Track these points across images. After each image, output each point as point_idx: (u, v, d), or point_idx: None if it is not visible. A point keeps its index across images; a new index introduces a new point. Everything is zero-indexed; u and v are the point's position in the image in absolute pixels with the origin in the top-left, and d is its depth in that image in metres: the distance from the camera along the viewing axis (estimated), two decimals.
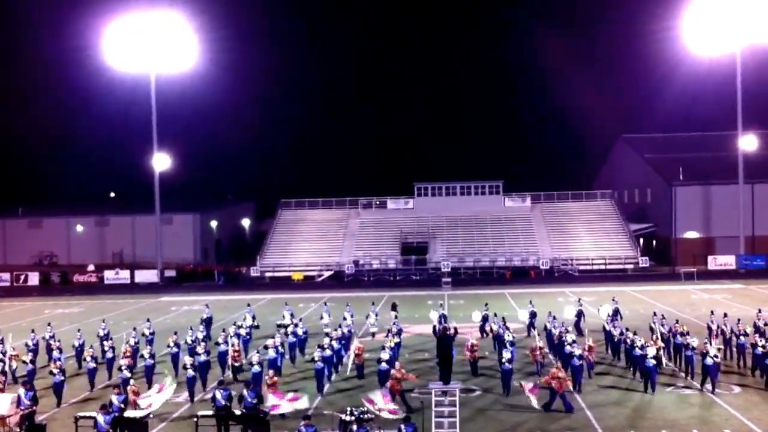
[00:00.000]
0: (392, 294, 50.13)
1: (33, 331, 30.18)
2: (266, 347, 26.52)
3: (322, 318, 34.19)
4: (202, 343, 26.75)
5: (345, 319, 32.42)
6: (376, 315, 34.79)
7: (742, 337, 26.39)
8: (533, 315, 33.07)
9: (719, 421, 20.33)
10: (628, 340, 25.72)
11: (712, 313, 29.91)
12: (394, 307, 35.48)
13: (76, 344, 29.32)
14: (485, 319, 32.70)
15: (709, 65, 65.35)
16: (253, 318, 33.87)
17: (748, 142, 64.76)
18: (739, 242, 62.71)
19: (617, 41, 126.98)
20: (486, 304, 34.93)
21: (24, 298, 55.75)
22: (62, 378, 23.58)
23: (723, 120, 71.65)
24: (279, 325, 32.97)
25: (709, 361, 22.81)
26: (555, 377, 21.47)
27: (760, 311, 29.77)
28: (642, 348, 23.93)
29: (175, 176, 76.57)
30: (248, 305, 36.98)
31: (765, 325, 27.97)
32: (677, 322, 28.05)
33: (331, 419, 18.88)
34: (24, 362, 25.84)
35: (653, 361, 23.10)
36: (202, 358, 25.12)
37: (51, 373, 24.08)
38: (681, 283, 53.31)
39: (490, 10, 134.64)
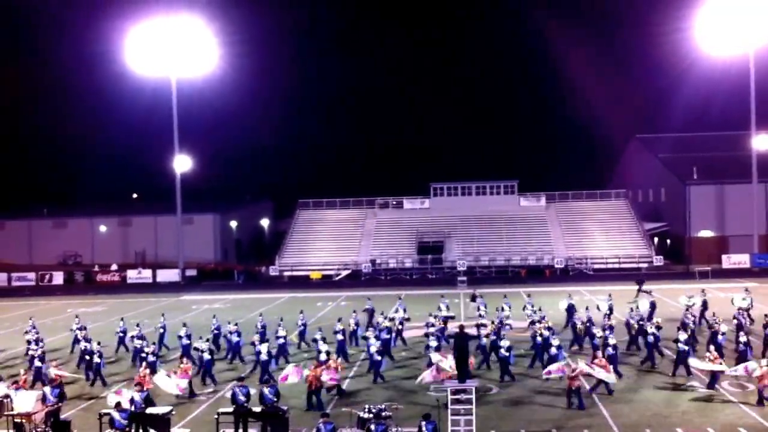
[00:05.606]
0: (409, 292, 50.64)
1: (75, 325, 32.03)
2: (366, 337, 27.87)
3: (397, 312, 34.19)
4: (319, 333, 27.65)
5: (396, 312, 33.84)
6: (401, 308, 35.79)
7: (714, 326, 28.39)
8: (571, 307, 34.22)
9: (734, 419, 20.47)
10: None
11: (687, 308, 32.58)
12: (474, 298, 37.39)
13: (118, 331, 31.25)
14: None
15: (723, 66, 65.82)
16: (405, 310, 34.12)
17: (761, 142, 65.13)
18: (753, 241, 63.19)
19: (631, 41, 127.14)
20: (529, 295, 37.31)
21: (48, 297, 57.02)
22: (153, 359, 26.14)
23: (736, 120, 72.22)
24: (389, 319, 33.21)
25: (681, 346, 24.91)
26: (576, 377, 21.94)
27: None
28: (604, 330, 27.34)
29: (195, 177, 77.77)
30: (399, 298, 37.79)
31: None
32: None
33: (350, 416, 18.93)
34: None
35: (611, 350, 24.98)
36: (321, 347, 25.64)
37: (142, 358, 25.99)
38: (695, 282, 53.50)
39: (504, 9, 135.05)
